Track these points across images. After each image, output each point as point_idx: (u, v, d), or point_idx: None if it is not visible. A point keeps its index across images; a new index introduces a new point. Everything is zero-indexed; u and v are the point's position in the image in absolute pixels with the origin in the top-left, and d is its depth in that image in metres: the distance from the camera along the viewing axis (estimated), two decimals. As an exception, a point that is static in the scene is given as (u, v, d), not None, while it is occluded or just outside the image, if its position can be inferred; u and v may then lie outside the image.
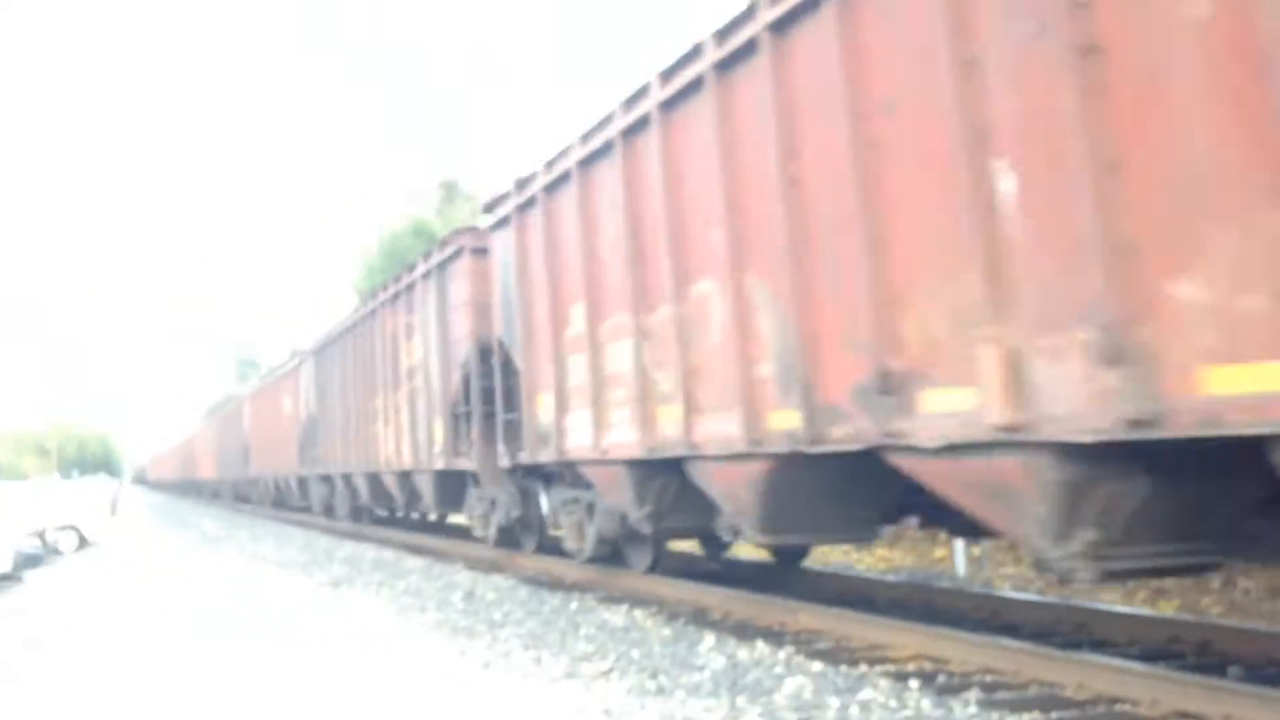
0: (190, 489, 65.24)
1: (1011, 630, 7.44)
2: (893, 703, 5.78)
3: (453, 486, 15.25)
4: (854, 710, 5.66)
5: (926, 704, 5.70)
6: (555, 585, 11.63)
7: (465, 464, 14.29)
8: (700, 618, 8.91)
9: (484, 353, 13.57)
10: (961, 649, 6.63)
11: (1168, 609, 8.62)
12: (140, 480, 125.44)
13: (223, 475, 45.31)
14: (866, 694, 5.98)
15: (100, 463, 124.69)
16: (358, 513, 23.15)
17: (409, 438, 16.81)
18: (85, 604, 12.75)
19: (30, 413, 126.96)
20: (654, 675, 6.79)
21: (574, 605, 9.99)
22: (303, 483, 27.82)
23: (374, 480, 20.10)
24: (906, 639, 7.07)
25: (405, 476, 17.57)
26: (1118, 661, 5.74)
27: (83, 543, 24.87)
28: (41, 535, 21.93)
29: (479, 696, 6.56)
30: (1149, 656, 6.26)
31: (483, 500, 14.24)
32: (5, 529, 18.77)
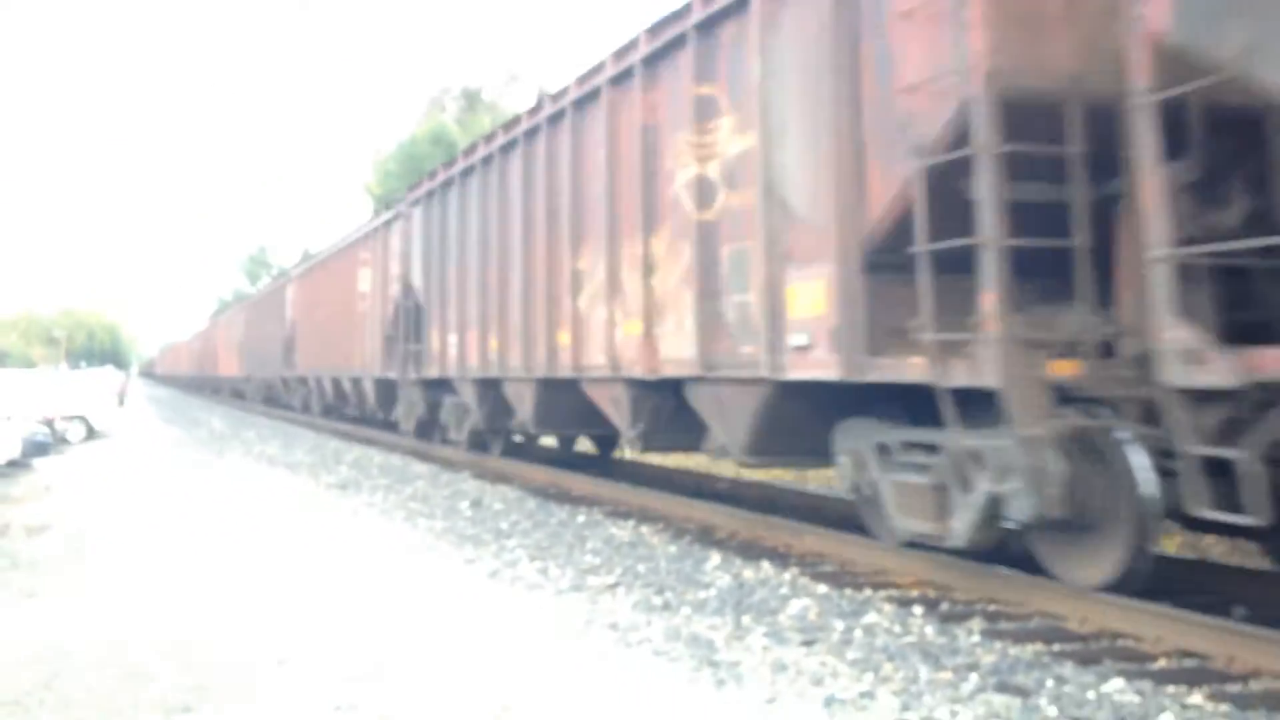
0: (204, 386, 61.85)
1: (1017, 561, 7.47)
2: (896, 628, 5.84)
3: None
4: (858, 634, 5.73)
5: (930, 630, 5.76)
6: (563, 498, 11.73)
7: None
8: (706, 536, 8.99)
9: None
10: (965, 578, 6.68)
11: (1169, 547, 8.67)
12: (148, 374, 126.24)
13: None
14: (871, 618, 6.04)
15: (108, 354, 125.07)
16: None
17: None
18: (92, 492, 12.89)
19: (40, 299, 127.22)
20: (660, 591, 6.86)
21: (581, 519, 10.08)
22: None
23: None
24: (910, 565, 7.13)
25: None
26: (1121, 598, 5.79)
27: (91, 433, 25.13)
28: (50, 424, 22.12)
29: (485, 607, 6.63)
30: (1153, 593, 6.30)
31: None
32: (14, 416, 18.90)
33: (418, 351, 16.68)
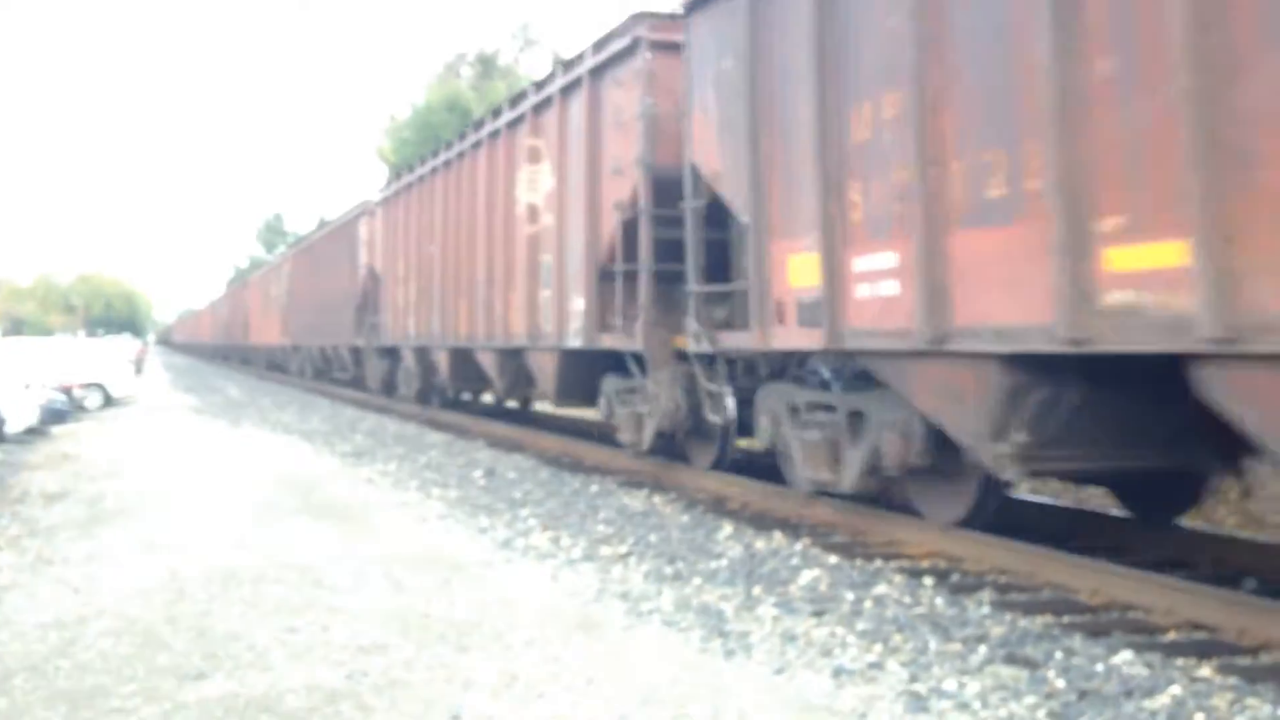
0: (230, 356, 55.77)
1: (1026, 533, 7.46)
2: (907, 599, 5.85)
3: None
4: (868, 605, 5.73)
5: (940, 602, 5.76)
6: (575, 467, 11.76)
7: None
8: (719, 506, 9.00)
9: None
10: (975, 548, 6.67)
11: (1184, 519, 8.62)
12: (165, 342, 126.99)
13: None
14: (881, 589, 6.05)
15: (126, 322, 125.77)
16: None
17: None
18: (110, 460, 13.00)
19: (57, 266, 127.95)
20: (672, 561, 6.88)
21: (594, 488, 10.11)
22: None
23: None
24: (921, 536, 7.12)
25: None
26: (1133, 570, 5.76)
27: (108, 400, 25.31)
28: (68, 391, 22.29)
29: (498, 576, 6.67)
30: (1163, 567, 6.28)
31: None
32: (32, 384, 19.04)
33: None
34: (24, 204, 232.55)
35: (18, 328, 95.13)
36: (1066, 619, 5.41)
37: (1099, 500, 8.61)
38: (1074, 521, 7.76)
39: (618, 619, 5.59)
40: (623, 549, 7.32)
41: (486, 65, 46.61)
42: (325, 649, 5.05)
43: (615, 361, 10.77)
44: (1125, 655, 4.75)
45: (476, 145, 14.67)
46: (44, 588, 6.46)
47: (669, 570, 6.65)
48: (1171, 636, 5.14)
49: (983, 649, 4.93)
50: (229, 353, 56.15)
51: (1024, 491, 8.87)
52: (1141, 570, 5.71)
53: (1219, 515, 8.60)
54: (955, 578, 6.34)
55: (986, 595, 5.87)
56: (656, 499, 9.40)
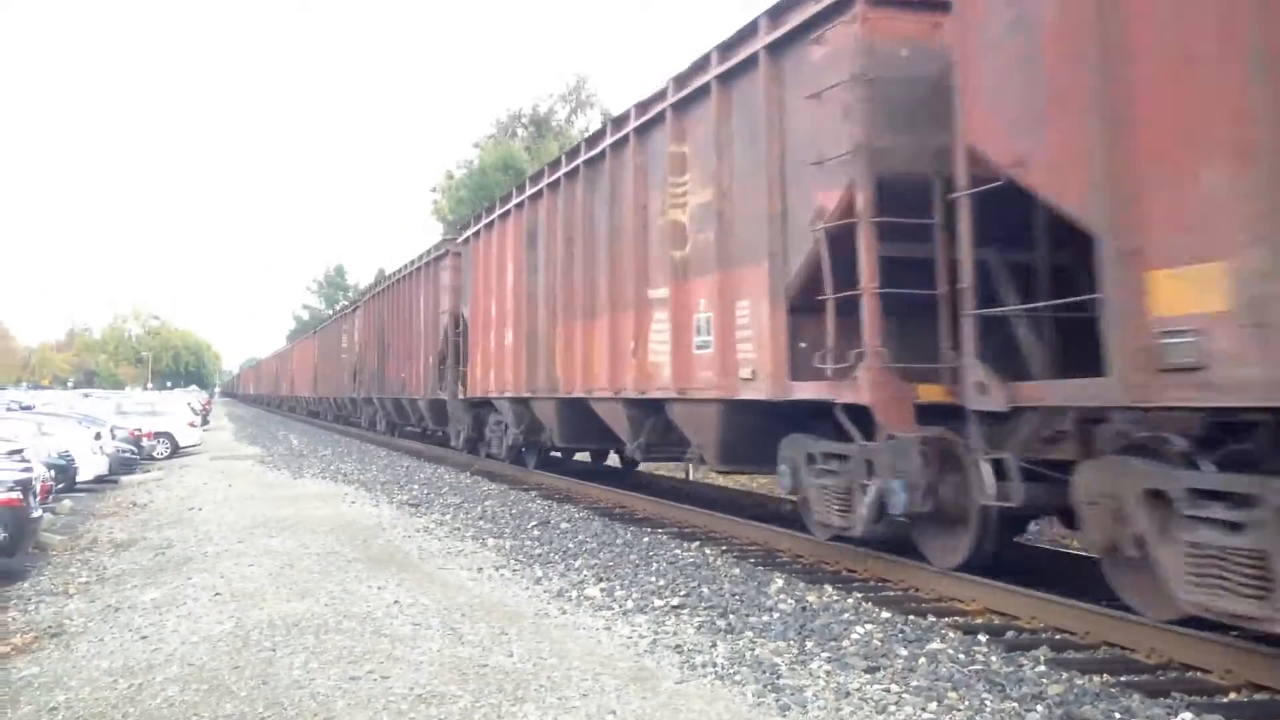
0: (296, 408, 53.78)
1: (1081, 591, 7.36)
2: (961, 656, 5.82)
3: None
4: (922, 661, 5.71)
5: (995, 659, 5.73)
6: (628, 518, 11.82)
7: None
8: (770, 559, 9.00)
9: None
10: (1031, 605, 6.61)
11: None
12: (230, 394, 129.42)
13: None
14: (935, 645, 6.02)
15: (193, 374, 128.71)
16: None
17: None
18: (177, 508, 13.31)
19: (127, 321, 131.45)
20: (724, 614, 6.91)
21: (646, 539, 10.16)
22: None
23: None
24: (974, 593, 7.07)
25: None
26: (1190, 630, 5.69)
27: (175, 450, 25.91)
28: (137, 441, 22.89)
29: (552, 627, 6.74)
30: (1220, 626, 6.17)
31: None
32: (103, 434, 19.58)
33: None
34: (96, 258, 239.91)
35: (90, 379, 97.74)
36: (1125, 678, 5.36)
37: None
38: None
39: (671, 671, 5.63)
40: (675, 600, 7.35)
41: (540, 126, 47.55)
42: (386, 698, 5.15)
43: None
44: (1185, 716, 4.70)
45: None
46: (113, 634, 6.65)
47: (722, 623, 6.67)
48: (1232, 698, 5.06)
49: (1040, 708, 4.90)
50: (295, 404, 56.16)
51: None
52: (1199, 630, 5.62)
53: None
54: (1010, 634, 6.29)
55: (1042, 653, 5.83)
56: (708, 550, 9.42)
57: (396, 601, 7.38)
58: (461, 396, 19.70)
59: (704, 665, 5.71)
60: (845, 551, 8.58)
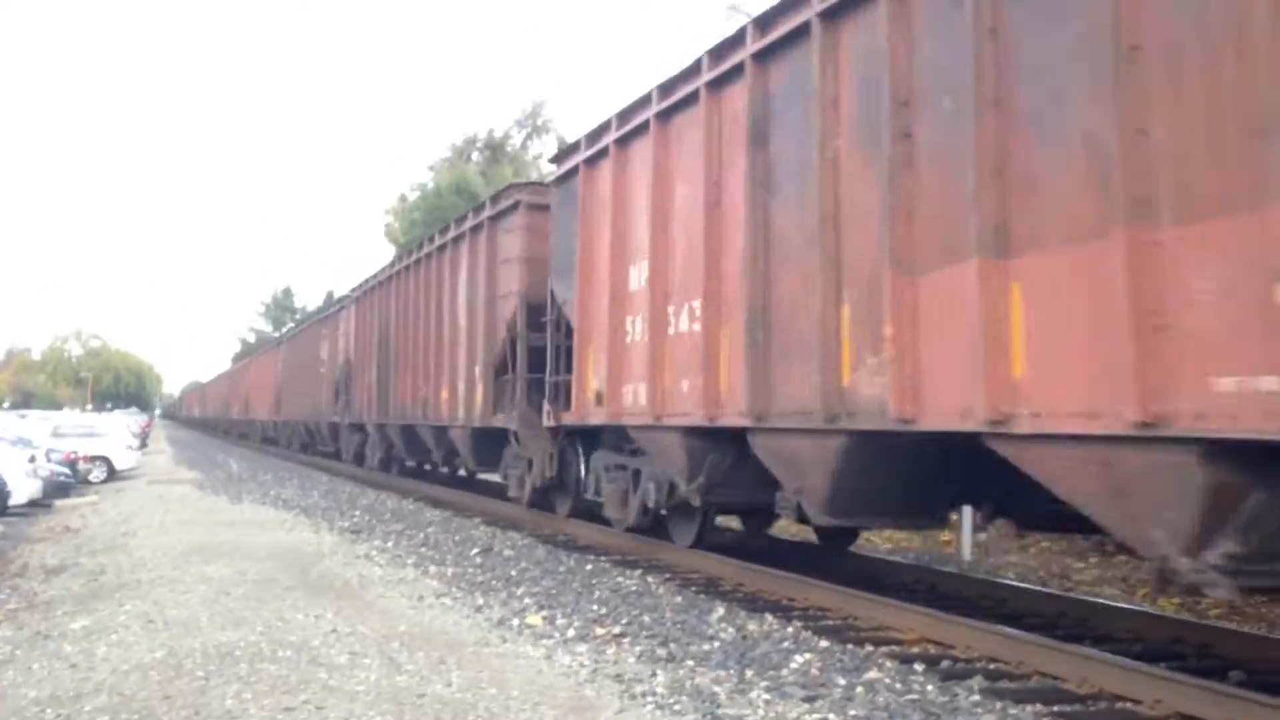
0: (232, 430, 54.83)
1: (1015, 619, 7.50)
2: (898, 685, 5.87)
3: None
4: (859, 690, 5.76)
5: (931, 689, 5.79)
6: (570, 546, 11.79)
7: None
8: (711, 587, 9.03)
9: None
10: (967, 635, 6.70)
11: (1169, 608, 8.66)
12: (171, 415, 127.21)
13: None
14: (872, 674, 6.08)
15: (133, 396, 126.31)
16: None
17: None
18: (111, 533, 13.05)
19: (68, 340, 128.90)
20: (665, 642, 6.91)
21: (589, 567, 10.14)
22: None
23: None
24: (913, 621, 7.16)
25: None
26: (1122, 660, 5.79)
27: (112, 473, 25.39)
28: (73, 464, 22.40)
29: (492, 656, 6.70)
30: (1151, 656, 6.32)
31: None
32: (36, 456, 19.15)
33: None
34: (36, 277, 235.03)
35: (27, 400, 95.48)
36: (1057, 708, 5.44)
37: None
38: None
39: (611, 701, 5.62)
40: (617, 629, 7.35)
41: (495, 150, 47.68)
42: (318, 728, 5.08)
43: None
44: (1113, 745, 4.77)
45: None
46: (41, 663, 6.50)
47: (662, 651, 6.68)
48: (1160, 727, 5.15)
49: (972, 737, 4.95)
50: (230, 427, 57.26)
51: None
52: (1130, 660, 5.73)
53: (1204, 605, 8.63)
54: (945, 664, 6.36)
55: (977, 682, 5.89)
56: (650, 578, 9.43)
57: (334, 630, 7.29)
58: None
59: (644, 694, 5.71)
60: (783, 579, 8.64)
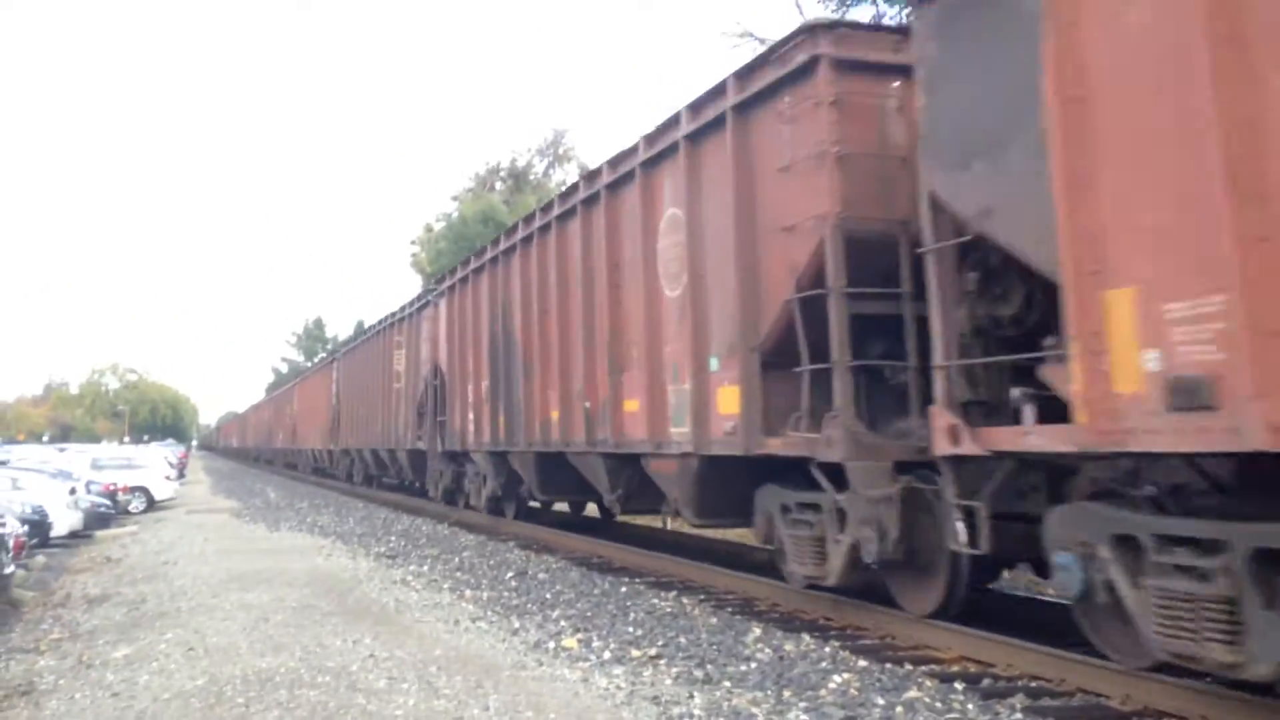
0: (275, 460, 53.64)
1: (1056, 636, 7.37)
2: (938, 704, 5.81)
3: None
4: (899, 710, 5.71)
5: (972, 708, 5.73)
6: (605, 568, 11.78)
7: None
8: (747, 608, 8.99)
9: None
10: (1007, 653, 6.63)
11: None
12: (208, 446, 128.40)
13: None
14: (912, 694, 6.02)
15: (170, 428, 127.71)
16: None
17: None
18: (151, 563, 13.18)
19: (104, 374, 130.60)
20: (702, 664, 6.89)
21: (624, 589, 10.13)
22: None
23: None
24: (950, 640, 7.09)
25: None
26: (1165, 676, 5.71)
27: (151, 504, 25.68)
28: (113, 495, 22.67)
29: (529, 677, 6.71)
30: (1195, 671, 6.20)
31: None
32: (77, 488, 19.40)
33: None
34: (73, 313, 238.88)
35: (66, 434, 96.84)
36: (1100, 725, 5.35)
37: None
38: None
39: (648, 723, 5.61)
40: (653, 651, 7.33)
41: (518, 179, 48.07)
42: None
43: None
44: (1158, 762, 4.70)
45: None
46: (84, 691, 6.58)
47: (699, 673, 6.65)
48: (1205, 743, 5.06)
49: (1013, 755, 4.89)
50: (272, 456, 56.51)
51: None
52: (1173, 676, 5.64)
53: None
54: (986, 682, 6.29)
55: (1019, 700, 5.83)
56: (685, 600, 9.40)
57: (372, 655, 7.33)
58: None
59: (681, 717, 5.69)
60: (819, 599, 8.58)
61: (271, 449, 55.83)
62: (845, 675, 6.48)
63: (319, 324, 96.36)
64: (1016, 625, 7.14)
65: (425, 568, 12.30)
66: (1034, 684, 6.19)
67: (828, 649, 7.24)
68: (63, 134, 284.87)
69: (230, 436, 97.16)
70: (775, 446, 8.26)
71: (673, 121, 9.95)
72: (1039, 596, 8.87)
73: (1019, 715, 5.57)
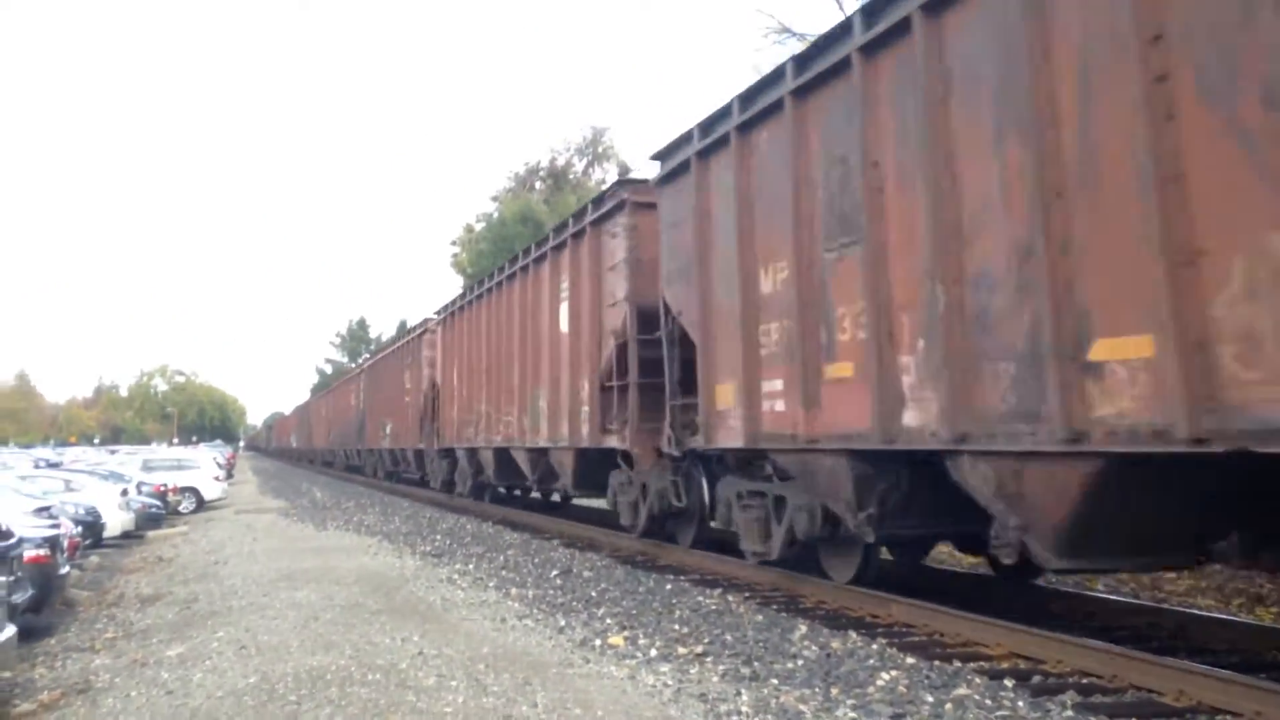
0: (315, 459, 55.07)
1: (1105, 632, 7.32)
2: (988, 701, 5.77)
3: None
4: (949, 707, 5.67)
5: (1022, 705, 5.68)
6: (650, 565, 11.79)
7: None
8: (792, 605, 8.96)
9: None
10: (1057, 649, 6.56)
11: (1267, 617, 8.38)
12: (255, 447, 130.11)
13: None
14: (961, 690, 5.98)
15: (218, 429, 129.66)
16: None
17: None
18: (202, 562, 13.38)
19: (153, 377, 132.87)
20: (748, 661, 6.88)
21: (669, 587, 10.14)
22: None
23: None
24: (1000, 636, 7.03)
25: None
26: (1219, 671, 5.63)
27: (201, 504, 26.07)
28: (163, 496, 23.04)
29: (576, 675, 6.73)
30: (1250, 667, 6.11)
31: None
32: (130, 489, 19.73)
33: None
34: (122, 317, 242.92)
35: (116, 436, 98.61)
36: (1152, 721, 5.29)
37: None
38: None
39: (695, 720, 5.61)
40: (699, 648, 7.33)
41: (558, 178, 48.19)
42: (408, 749, 5.14)
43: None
44: (1213, 759, 4.64)
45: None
46: (139, 690, 6.69)
47: (746, 670, 6.64)
48: (1262, 740, 4.99)
49: (1065, 752, 4.84)
50: (312, 456, 58.95)
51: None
52: (1227, 671, 5.56)
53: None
54: (1036, 679, 6.24)
55: (1070, 697, 5.77)
56: (730, 597, 9.39)
57: (421, 653, 7.39)
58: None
59: (729, 714, 5.69)
60: (867, 597, 8.54)
61: (310, 449, 61.27)
62: (893, 672, 6.44)
63: (363, 324, 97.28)
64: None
65: (471, 566, 12.39)
66: (1085, 680, 6.13)
67: (875, 646, 7.21)
68: (116, 141, 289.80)
69: (275, 437, 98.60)
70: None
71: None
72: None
73: (1070, 713, 5.51)
